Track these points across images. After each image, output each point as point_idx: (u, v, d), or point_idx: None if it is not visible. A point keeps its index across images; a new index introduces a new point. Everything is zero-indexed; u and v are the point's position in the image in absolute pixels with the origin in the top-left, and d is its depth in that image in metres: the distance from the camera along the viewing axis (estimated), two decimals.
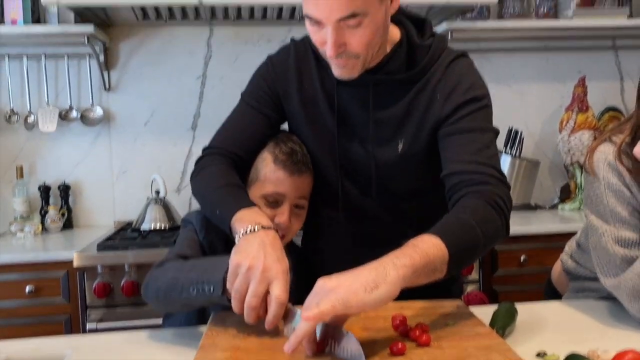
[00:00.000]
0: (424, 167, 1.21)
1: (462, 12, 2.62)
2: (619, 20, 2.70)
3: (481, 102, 1.16)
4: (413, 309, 1.03)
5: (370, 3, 1.04)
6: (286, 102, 1.26)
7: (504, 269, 2.33)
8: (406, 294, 0.90)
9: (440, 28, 2.61)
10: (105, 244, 2.15)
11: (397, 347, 0.86)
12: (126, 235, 2.34)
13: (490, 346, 0.86)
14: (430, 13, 2.65)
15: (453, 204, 1.10)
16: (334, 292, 0.84)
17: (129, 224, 2.52)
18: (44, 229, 2.57)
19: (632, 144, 1.11)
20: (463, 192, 1.08)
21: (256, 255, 0.97)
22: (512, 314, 1.07)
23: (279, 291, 0.93)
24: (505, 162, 2.72)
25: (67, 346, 1.07)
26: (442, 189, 1.14)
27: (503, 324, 1.02)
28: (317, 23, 1.06)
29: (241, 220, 1.06)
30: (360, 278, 0.86)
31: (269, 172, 1.22)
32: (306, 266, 1.31)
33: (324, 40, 1.07)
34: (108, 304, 2.11)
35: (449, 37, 2.57)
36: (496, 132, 1.19)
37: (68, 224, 2.63)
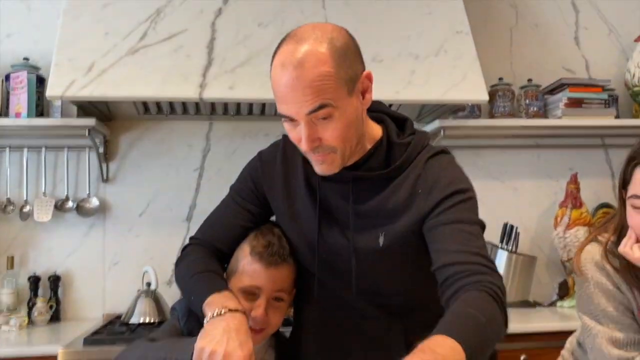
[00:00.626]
0: (409, 264, 1.19)
1: (453, 111, 2.70)
2: (607, 120, 2.79)
3: (465, 195, 1.17)
4: None
5: (338, 96, 1.07)
6: (271, 196, 1.29)
7: None
8: None
9: (432, 125, 2.68)
10: (92, 339, 2.09)
11: None
12: (114, 329, 2.27)
13: None
14: (423, 111, 2.74)
15: (450, 296, 1.06)
16: None
17: (118, 317, 2.46)
18: (31, 321, 2.50)
19: (618, 242, 1.11)
20: (461, 284, 1.05)
21: (220, 340, 1.00)
22: None
23: None
24: (502, 258, 2.71)
25: None
26: (428, 285, 1.12)
27: None
28: (291, 120, 1.10)
29: (210, 304, 1.09)
30: None
31: (246, 264, 1.23)
32: (289, 354, 1.29)
33: (300, 137, 1.10)
34: None
35: (442, 134, 2.63)
36: (483, 225, 1.18)
37: (56, 317, 2.56)
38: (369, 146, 1.21)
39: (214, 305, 1.09)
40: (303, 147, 1.11)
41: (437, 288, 1.16)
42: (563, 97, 2.78)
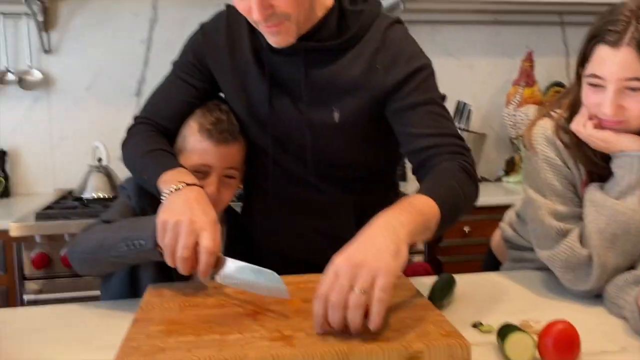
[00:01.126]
0: (363, 139, 1.19)
1: None
2: None
3: (427, 70, 1.16)
4: None
5: None
6: (217, 72, 1.24)
7: (448, 240, 2.37)
8: None
9: (390, 0, 2.58)
10: (45, 213, 2.08)
11: None
12: (67, 204, 2.26)
13: (426, 317, 0.86)
14: None
15: (428, 170, 1.10)
16: (363, 268, 0.80)
17: (70, 193, 2.44)
18: None
19: (570, 119, 1.13)
20: (437, 162, 1.09)
21: (182, 211, 1.00)
22: (450, 286, 1.08)
23: (207, 242, 0.96)
24: None
25: None
26: (379, 161, 1.14)
27: (441, 295, 1.03)
28: None
29: (166, 181, 1.08)
30: (381, 245, 0.83)
31: (195, 142, 1.20)
32: (242, 232, 1.32)
33: (249, 8, 1.04)
34: (47, 275, 2.05)
35: (402, 7, 2.55)
36: (443, 97, 1.20)
37: (5, 192, 2.52)
38: (320, 14, 1.15)
39: (170, 181, 1.07)
40: (255, 16, 1.05)
41: (390, 164, 1.18)
42: None
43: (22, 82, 2.53)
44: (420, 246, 2.31)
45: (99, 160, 2.39)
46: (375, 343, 0.78)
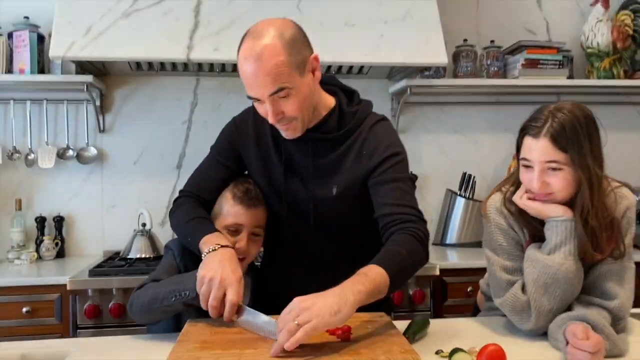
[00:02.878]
0: (354, 208, 1.51)
1: (420, 70, 2.96)
2: (559, 80, 3.07)
3: (400, 157, 1.49)
4: None
5: (292, 78, 1.35)
6: (245, 154, 1.59)
7: (453, 299, 2.61)
8: None
9: (400, 84, 2.95)
10: (96, 270, 2.41)
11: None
12: (114, 263, 2.59)
13: (394, 342, 1.15)
14: (393, 71, 3.00)
15: (387, 237, 1.40)
16: (307, 311, 1.13)
17: (117, 254, 2.78)
18: (39, 257, 2.81)
19: (514, 193, 1.43)
20: (395, 229, 1.40)
21: (216, 268, 1.31)
22: (424, 325, 1.36)
23: (231, 295, 1.29)
24: (460, 204, 3.04)
25: (72, 345, 1.33)
26: (370, 222, 1.44)
27: (415, 330, 1.31)
28: (258, 100, 1.38)
29: (205, 242, 1.40)
30: (327, 302, 1.15)
31: (229, 207, 1.53)
32: (263, 282, 1.61)
33: (267, 112, 1.38)
34: (97, 324, 2.35)
35: (409, 92, 2.91)
36: (412, 179, 1.51)
37: (61, 253, 2.88)
38: (324, 113, 1.51)
39: (209, 243, 1.39)
40: (270, 120, 1.40)
41: (377, 226, 1.48)
42: (521, 58, 3.04)
43: (79, 158, 2.94)
44: (427, 304, 2.55)
45: (143, 225, 2.74)
46: (350, 356, 1.06)
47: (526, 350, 1.32)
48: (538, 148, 1.34)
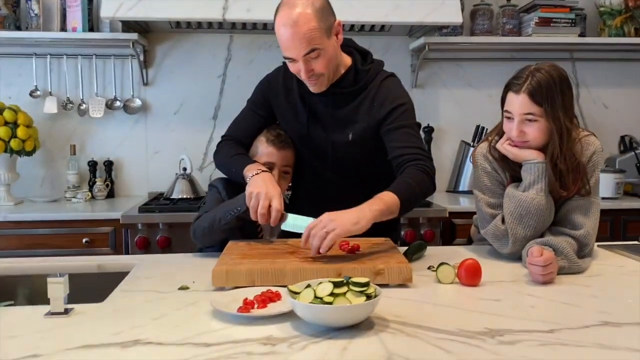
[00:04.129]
0: (367, 151, 1.79)
1: (439, 28, 3.17)
2: (571, 38, 3.24)
3: (406, 106, 1.75)
4: (356, 240, 1.60)
5: (322, 41, 1.61)
6: (275, 105, 1.87)
7: (460, 239, 2.88)
8: (367, 231, 1.49)
9: (419, 42, 3.17)
10: (145, 207, 2.75)
11: (343, 245, 1.52)
12: (160, 202, 2.92)
13: (392, 257, 1.45)
14: (412, 29, 3.21)
15: (400, 173, 1.68)
16: (333, 222, 1.45)
17: (161, 194, 3.11)
18: (92, 196, 3.17)
19: (497, 141, 1.69)
20: (406, 166, 1.68)
21: (261, 185, 1.62)
22: (420, 247, 1.66)
23: (276, 204, 1.61)
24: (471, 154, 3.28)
25: (137, 260, 1.67)
26: (378, 164, 1.73)
27: (412, 251, 1.61)
28: (292, 59, 1.64)
29: (249, 169, 1.71)
30: (349, 215, 1.47)
31: (264, 147, 1.82)
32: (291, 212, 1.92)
33: (299, 70, 1.66)
34: (146, 254, 2.70)
35: (427, 49, 3.13)
36: (419, 124, 1.79)
37: (111, 194, 3.24)
38: (342, 71, 1.77)
39: (252, 169, 1.69)
40: (302, 76, 1.67)
41: (387, 168, 1.75)
42: (535, 16, 3.22)
43: (126, 108, 3.26)
44: (437, 244, 2.84)
45: (184, 169, 3.06)
46: (356, 264, 1.37)
47: (500, 267, 1.62)
48: (518, 102, 1.59)
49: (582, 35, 3.33)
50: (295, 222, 1.62)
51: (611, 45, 3.36)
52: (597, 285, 1.48)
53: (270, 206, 1.59)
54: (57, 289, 1.23)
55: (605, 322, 1.20)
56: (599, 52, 3.48)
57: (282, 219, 1.61)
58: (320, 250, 1.43)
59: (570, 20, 3.25)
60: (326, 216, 1.48)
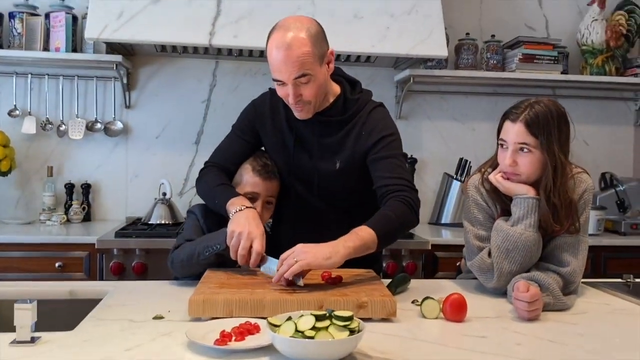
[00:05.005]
0: (354, 180, 1.76)
1: (425, 61, 3.19)
2: (554, 75, 3.28)
3: (393, 137, 1.73)
4: (339, 271, 1.56)
5: (313, 67, 1.59)
6: (262, 131, 1.84)
7: (443, 272, 2.86)
8: (349, 262, 1.47)
9: (404, 73, 3.18)
10: (121, 232, 2.68)
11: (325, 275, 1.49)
12: (137, 227, 2.86)
13: (376, 289, 1.41)
14: (398, 61, 3.23)
15: (383, 203, 1.65)
16: (305, 253, 1.42)
17: (139, 219, 3.05)
18: (68, 220, 3.09)
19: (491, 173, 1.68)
20: (389, 197, 1.65)
21: (244, 224, 1.56)
22: (404, 280, 1.62)
23: (257, 246, 1.55)
24: (455, 187, 3.27)
25: (110, 286, 1.61)
26: (364, 193, 1.70)
27: (396, 284, 1.57)
28: (281, 83, 1.62)
29: (232, 204, 1.65)
30: (322, 249, 1.44)
31: (249, 177, 1.78)
32: (273, 242, 1.86)
33: (287, 94, 1.63)
34: (121, 280, 2.62)
35: (411, 81, 3.14)
36: (405, 155, 1.77)
37: (87, 217, 3.16)
38: (331, 99, 1.75)
39: (235, 204, 1.64)
40: (290, 100, 1.64)
41: (372, 196, 1.72)
42: (518, 52, 3.26)
43: (107, 130, 3.20)
44: (419, 277, 2.81)
45: (164, 194, 3.01)
46: (339, 296, 1.33)
47: (486, 302, 1.58)
48: (514, 130, 1.59)
49: (564, 72, 3.38)
50: (274, 265, 1.54)
51: (593, 84, 3.42)
52: (583, 322, 1.45)
53: (251, 246, 1.55)
54: (25, 316, 1.16)
55: None
56: (581, 89, 3.53)
57: (262, 261, 1.56)
58: (285, 275, 1.41)
59: (553, 58, 3.30)
60: (300, 247, 1.45)
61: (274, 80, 1.64)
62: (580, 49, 3.44)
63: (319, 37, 1.62)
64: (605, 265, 2.99)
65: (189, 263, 1.65)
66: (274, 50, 1.58)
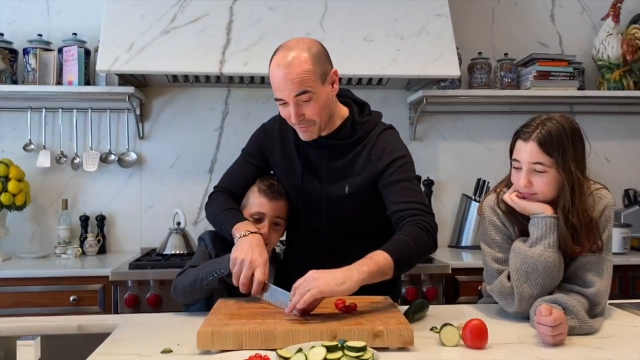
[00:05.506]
0: (364, 205, 1.71)
1: (437, 82, 3.15)
2: (570, 91, 3.22)
3: (404, 159, 1.68)
4: (353, 299, 1.51)
5: (315, 85, 1.57)
6: (270, 155, 1.81)
7: (465, 297, 2.78)
8: (364, 289, 1.41)
9: (417, 95, 3.15)
10: (136, 264, 2.66)
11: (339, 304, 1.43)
12: (152, 258, 2.83)
13: (392, 317, 1.35)
14: (410, 82, 3.20)
15: (399, 228, 1.60)
16: (317, 280, 1.37)
17: (154, 250, 3.02)
18: (83, 252, 3.08)
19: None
20: (404, 223, 1.59)
21: (247, 251, 1.53)
22: (422, 306, 1.56)
23: (259, 275, 1.51)
24: (474, 208, 3.20)
25: (120, 319, 1.57)
26: (375, 218, 1.64)
27: (413, 311, 1.50)
28: (283, 102, 1.59)
29: (237, 229, 1.62)
30: (335, 275, 1.39)
31: (255, 198, 1.75)
32: (284, 270, 1.84)
33: (289, 114, 1.60)
34: (135, 312, 2.59)
35: (424, 102, 3.10)
36: (418, 177, 1.72)
37: (102, 249, 3.14)
38: (339, 122, 1.72)
39: (240, 229, 1.62)
40: (292, 120, 1.61)
41: (386, 223, 1.67)
42: (533, 70, 3.21)
43: (120, 162, 3.20)
44: (440, 302, 2.73)
45: (178, 224, 2.98)
46: (353, 325, 1.27)
47: (508, 327, 1.52)
48: (527, 150, 1.54)
49: (581, 88, 3.32)
50: (277, 294, 1.52)
51: (611, 99, 3.35)
52: (610, 347, 1.37)
53: (253, 274, 1.52)
54: (27, 353, 1.13)
55: None
56: (599, 105, 3.46)
57: (264, 289, 1.53)
58: (297, 305, 1.36)
59: (569, 74, 3.24)
60: (311, 274, 1.41)
61: (276, 99, 1.61)
62: (596, 64, 3.39)
63: (321, 56, 1.60)
64: (634, 285, 2.88)
65: (191, 289, 1.62)
66: (275, 69, 1.57)
